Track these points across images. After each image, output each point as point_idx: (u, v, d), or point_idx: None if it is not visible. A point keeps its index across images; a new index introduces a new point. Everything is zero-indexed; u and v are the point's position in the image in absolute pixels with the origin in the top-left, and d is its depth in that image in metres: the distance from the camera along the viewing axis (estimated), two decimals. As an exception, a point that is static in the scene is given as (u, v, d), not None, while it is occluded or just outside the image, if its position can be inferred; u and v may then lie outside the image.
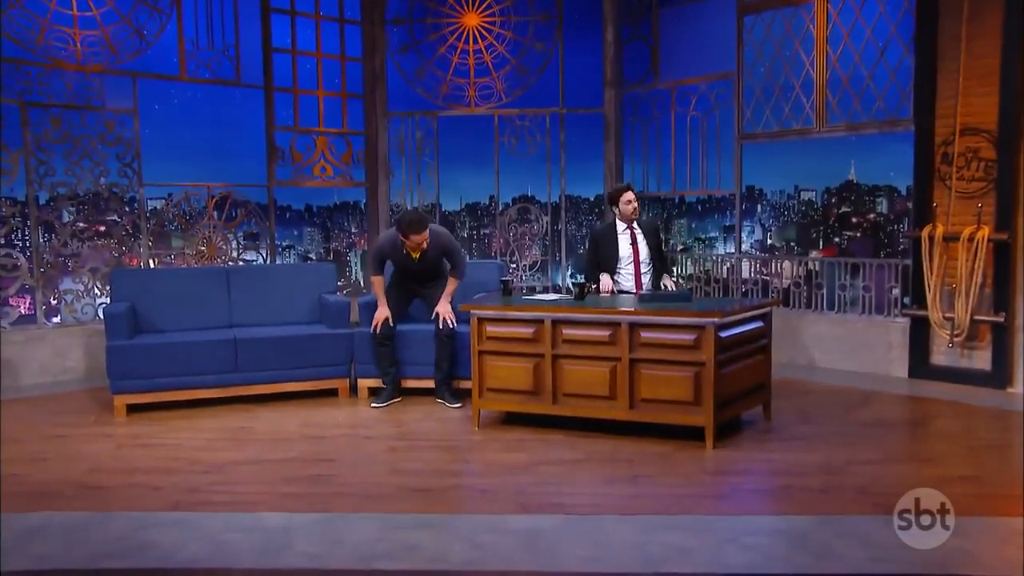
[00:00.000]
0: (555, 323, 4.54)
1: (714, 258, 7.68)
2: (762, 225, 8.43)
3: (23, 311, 6.41)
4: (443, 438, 4.66)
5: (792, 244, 8.25)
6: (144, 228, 6.79)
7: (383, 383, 5.44)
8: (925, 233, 5.79)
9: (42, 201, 6.38)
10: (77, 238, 6.54)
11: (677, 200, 8.45)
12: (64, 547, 3.17)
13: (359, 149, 7.97)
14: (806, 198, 8.21)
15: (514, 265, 8.19)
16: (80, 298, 6.49)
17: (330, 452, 4.43)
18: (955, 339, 5.68)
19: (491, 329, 4.71)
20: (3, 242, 6.21)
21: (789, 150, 7.30)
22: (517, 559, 3.03)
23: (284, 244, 8.70)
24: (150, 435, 4.73)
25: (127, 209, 6.78)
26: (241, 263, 7.35)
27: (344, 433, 4.83)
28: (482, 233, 9.17)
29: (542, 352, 4.57)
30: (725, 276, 7.39)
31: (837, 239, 7.91)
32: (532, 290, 7.81)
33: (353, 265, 9.18)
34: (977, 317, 5.61)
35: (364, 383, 5.57)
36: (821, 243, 8.03)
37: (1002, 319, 5.51)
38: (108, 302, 5.93)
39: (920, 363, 5.96)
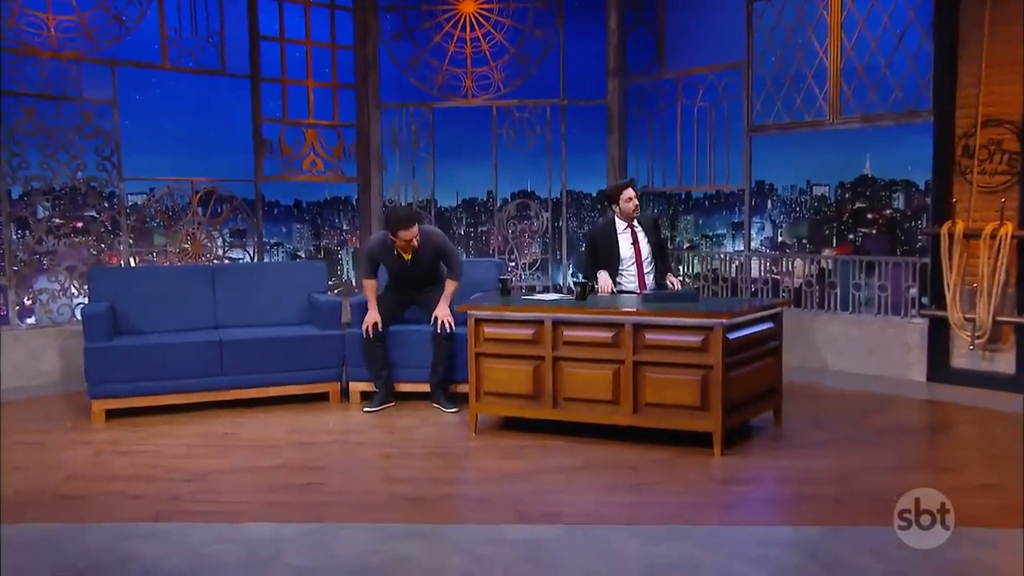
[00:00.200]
0: (556, 324, 4.53)
1: (722, 256, 7.67)
2: (772, 222, 8.44)
3: (-5, 312, 6.41)
4: (438, 444, 4.65)
5: (804, 241, 8.26)
6: (124, 224, 6.78)
7: (375, 386, 5.43)
8: (944, 230, 5.78)
9: (15, 196, 6.37)
10: (53, 235, 6.53)
11: (683, 196, 8.46)
12: (39, 560, 3.16)
13: (351, 142, 7.96)
14: (819, 193, 8.22)
15: (513, 263, 8.18)
16: (56, 298, 6.48)
17: (320, 459, 4.43)
18: (976, 341, 5.68)
19: (489, 330, 4.70)
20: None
21: (801, 143, 7.30)
22: (515, 571, 3.02)
23: (272, 241, 8.70)
24: (130, 442, 4.71)
25: (106, 204, 6.77)
26: (227, 261, 7.33)
27: (335, 439, 4.82)
28: (480, 230, 9.17)
29: (542, 354, 4.56)
30: (733, 275, 7.39)
31: (851, 236, 7.92)
32: (532, 290, 7.80)
33: (344, 263, 9.18)
34: (1000, 318, 5.60)
35: (356, 387, 5.57)
36: (834, 240, 8.04)
37: (1024, 320, 5.51)
38: (86, 302, 5.91)
39: (939, 366, 5.96)
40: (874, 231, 7.79)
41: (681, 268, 7.84)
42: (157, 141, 7.40)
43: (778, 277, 7.16)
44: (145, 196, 7.07)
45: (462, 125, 8.23)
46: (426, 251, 5.35)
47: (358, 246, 8.43)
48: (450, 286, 5.37)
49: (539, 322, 4.57)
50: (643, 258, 5.36)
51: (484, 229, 9.05)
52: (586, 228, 8.15)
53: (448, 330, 5.22)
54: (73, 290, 6.53)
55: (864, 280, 6.52)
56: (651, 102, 7.84)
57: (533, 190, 8.42)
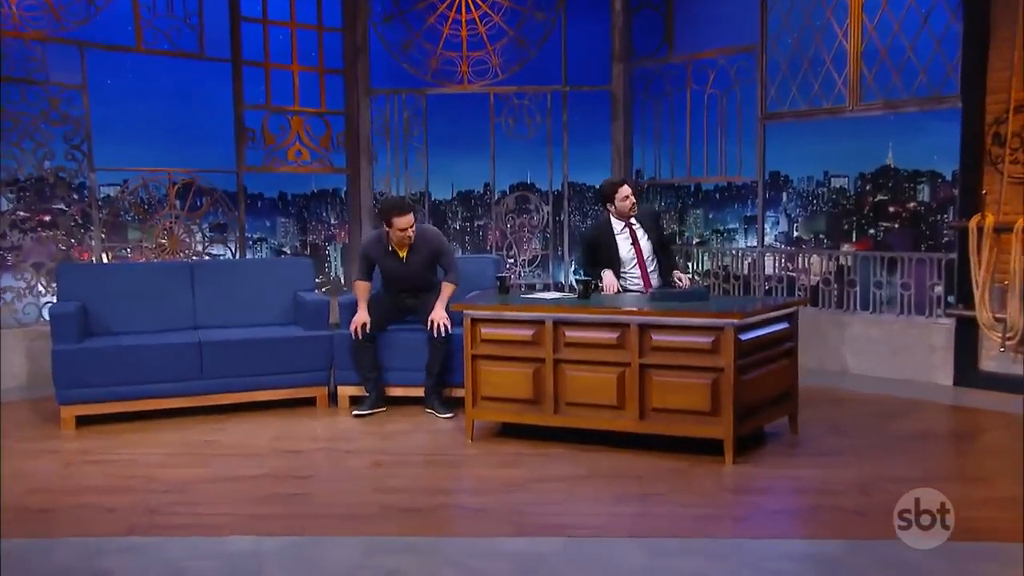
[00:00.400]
0: (557, 324, 4.53)
1: (734, 252, 7.67)
2: (787, 215, 8.43)
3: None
4: (432, 452, 4.65)
5: (821, 236, 8.25)
6: (96, 218, 6.77)
7: (365, 390, 5.43)
8: (973, 223, 5.77)
9: (-24, 187, 6.36)
10: (18, 229, 6.52)
11: (692, 188, 8.44)
12: None
13: (339, 131, 7.96)
14: (837, 185, 8.21)
15: (511, 260, 8.18)
16: (22, 297, 6.46)
17: (306, 468, 4.42)
18: (1007, 343, 5.67)
19: (486, 331, 4.69)
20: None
21: (818, 131, 7.29)
22: (514, 588, 3.02)
23: (255, 236, 8.69)
24: (102, 450, 4.70)
25: (76, 197, 6.75)
26: (207, 257, 7.34)
27: (322, 447, 4.82)
28: (476, 225, 9.16)
29: (542, 356, 4.56)
30: (746, 272, 7.39)
31: (872, 231, 7.91)
32: (531, 288, 7.81)
33: (332, 260, 9.17)
34: (1029, 318, 5.60)
35: (345, 391, 5.56)
36: (854, 235, 8.04)
37: (1057, 320, 5.51)
38: (54, 301, 5.90)
39: (967, 369, 5.95)
40: (897, 225, 7.78)
41: (690, 265, 7.84)
42: (131, 129, 7.38)
43: (793, 274, 7.15)
44: (118, 188, 7.06)
45: (458, 113, 8.23)
46: (422, 249, 5.39)
47: (347, 241, 8.42)
48: (447, 289, 5.37)
49: (539, 322, 4.56)
50: (645, 257, 5.36)
51: (481, 223, 9.04)
52: (589, 222, 8.13)
53: (444, 333, 5.22)
54: (40, 288, 6.52)
55: (886, 278, 6.52)
56: (658, 88, 7.84)
57: (533, 182, 8.42)
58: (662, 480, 4.09)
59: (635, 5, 7.92)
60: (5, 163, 6.34)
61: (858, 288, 6.64)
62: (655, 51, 7.79)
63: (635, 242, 5.37)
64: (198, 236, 7.35)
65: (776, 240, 7.96)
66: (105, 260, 6.82)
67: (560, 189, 8.17)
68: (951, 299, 6.11)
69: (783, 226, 8.32)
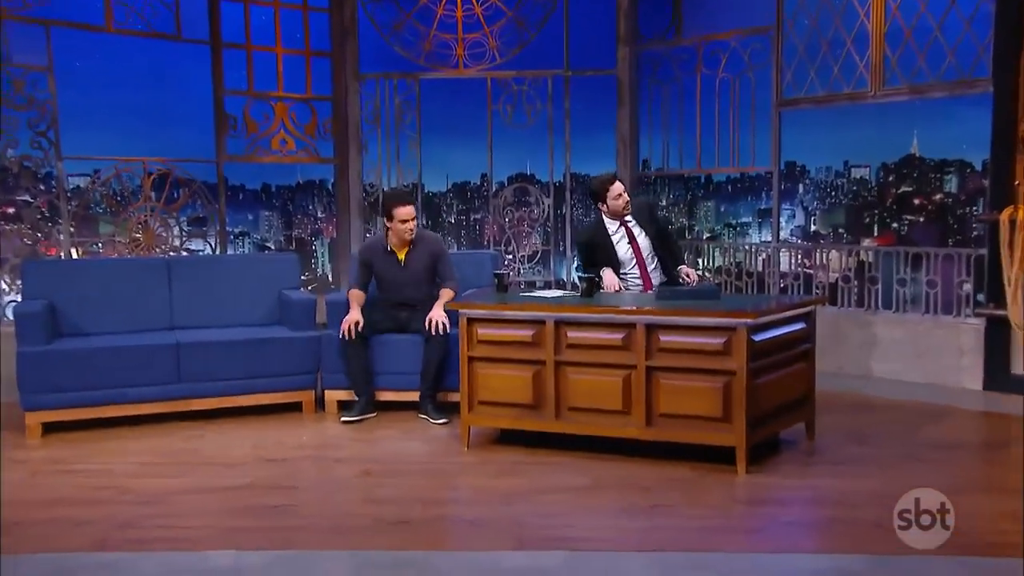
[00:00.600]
0: (558, 324, 4.53)
1: (747, 247, 7.67)
2: (805, 208, 8.45)
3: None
4: (426, 460, 4.66)
5: (840, 231, 8.27)
6: (64, 211, 6.76)
7: (355, 394, 5.43)
8: (1005, 216, 5.78)
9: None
10: (-21, 222, 6.52)
11: (703, 179, 8.46)
12: (-31, 592, 3.14)
13: (326, 118, 7.95)
14: (858, 176, 8.22)
15: (510, 256, 8.18)
16: (-15, 295, 6.47)
17: (291, 478, 4.42)
18: (1038, 344, 5.68)
19: (483, 331, 4.69)
20: None
21: (838, 119, 7.30)
22: (513, 605, 3.02)
23: (237, 231, 8.69)
24: (72, 460, 4.70)
25: (42, 187, 6.74)
26: (184, 253, 7.34)
27: (308, 455, 4.81)
28: (472, 218, 9.17)
29: (543, 358, 4.56)
30: (760, 269, 7.40)
31: (895, 225, 7.93)
32: (531, 285, 7.81)
33: (319, 256, 9.18)
34: (1064, 317, 5.61)
35: (333, 395, 5.56)
36: (876, 229, 8.05)
37: (1093, 320, 5.51)
38: (19, 300, 5.89)
39: (998, 373, 5.95)
40: (922, 218, 7.80)
41: (700, 261, 7.84)
42: (102, 115, 7.37)
43: (811, 271, 7.16)
44: (89, 178, 7.06)
45: (453, 99, 8.23)
46: (421, 252, 5.49)
47: (334, 236, 8.42)
48: (446, 295, 5.41)
49: (540, 322, 4.56)
50: (644, 256, 5.35)
51: (478, 217, 9.05)
52: (593, 216, 8.14)
53: (442, 331, 5.23)
54: (4, 286, 6.52)
55: (910, 274, 6.52)
56: (667, 73, 7.83)
57: (533, 173, 8.42)
58: (670, 490, 4.09)
59: (642, -17, 7.92)
60: (-36, 152, 6.36)
61: (880, 286, 6.64)
62: (663, 33, 7.79)
63: (632, 240, 5.36)
64: (175, 230, 7.35)
65: (792, 235, 7.97)
66: (74, 256, 6.82)
67: (562, 180, 8.18)
68: (981, 298, 6.11)
69: (800, 220, 8.33)
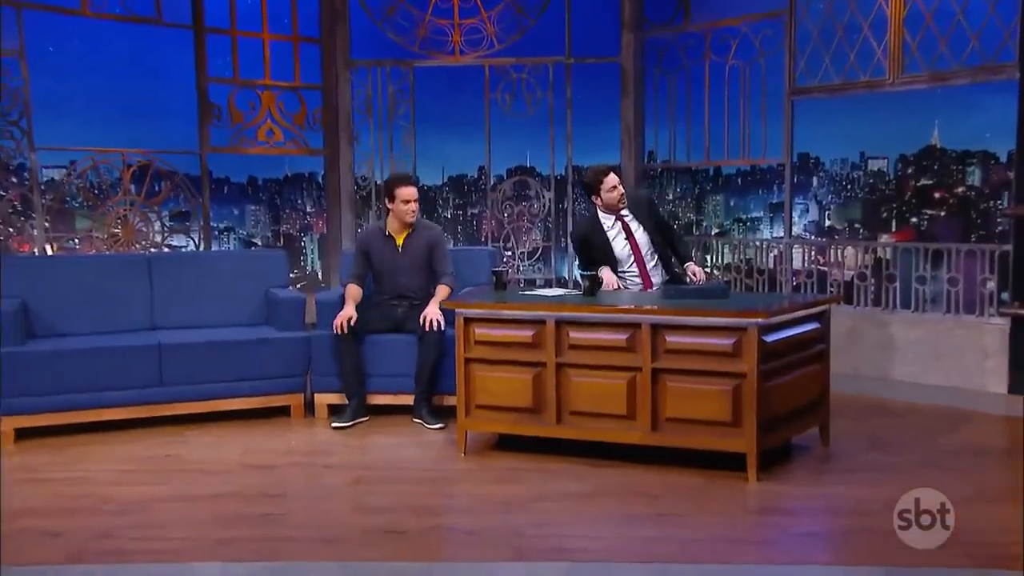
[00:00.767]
0: (560, 324, 4.53)
1: (758, 244, 7.68)
2: (818, 203, 8.46)
3: None
4: (421, 467, 4.66)
5: (856, 226, 8.28)
6: (38, 204, 6.75)
7: (345, 396, 5.44)
8: (1029, 211, 5.78)
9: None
10: (-53, 217, 6.52)
11: (712, 172, 8.47)
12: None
13: (315, 107, 7.95)
14: (875, 168, 8.23)
15: (509, 252, 8.18)
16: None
17: (279, 486, 4.42)
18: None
19: (481, 332, 4.70)
20: None
21: (854, 108, 7.31)
22: (511, 619, 3.02)
23: (222, 226, 8.70)
24: (48, 467, 4.70)
25: (14, 180, 6.73)
26: (166, 249, 7.34)
27: (297, 461, 4.81)
28: (470, 213, 9.18)
29: (543, 360, 4.56)
30: (771, 266, 7.40)
31: (915, 219, 7.94)
32: (531, 284, 7.81)
33: (308, 252, 9.19)
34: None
35: (323, 399, 5.57)
36: (894, 224, 8.06)
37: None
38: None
39: (1023, 375, 5.95)
40: (943, 213, 7.80)
41: (708, 258, 7.85)
42: (79, 104, 7.36)
43: (825, 269, 7.17)
44: (64, 170, 7.05)
45: (449, 88, 8.23)
46: (420, 239, 5.57)
47: (324, 232, 8.42)
48: (442, 291, 5.44)
49: (540, 322, 4.57)
50: (643, 253, 5.34)
51: (475, 212, 9.06)
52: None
53: (437, 327, 5.24)
54: (-25, 284, 6.51)
55: (930, 272, 6.52)
56: (674, 60, 7.83)
57: (533, 166, 8.43)
58: (677, 499, 4.09)
59: (648, -34, 7.92)
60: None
61: (898, 284, 6.65)
62: (670, 19, 7.79)
63: (630, 236, 5.35)
64: (156, 225, 7.34)
65: (805, 230, 7.98)
66: (49, 252, 6.81)
67: (563, 173, 8.18)
68: (1005, 296, 6.11)
69: (813, 214, 8.34)
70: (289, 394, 5.60)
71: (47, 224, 6.83)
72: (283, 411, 5.59)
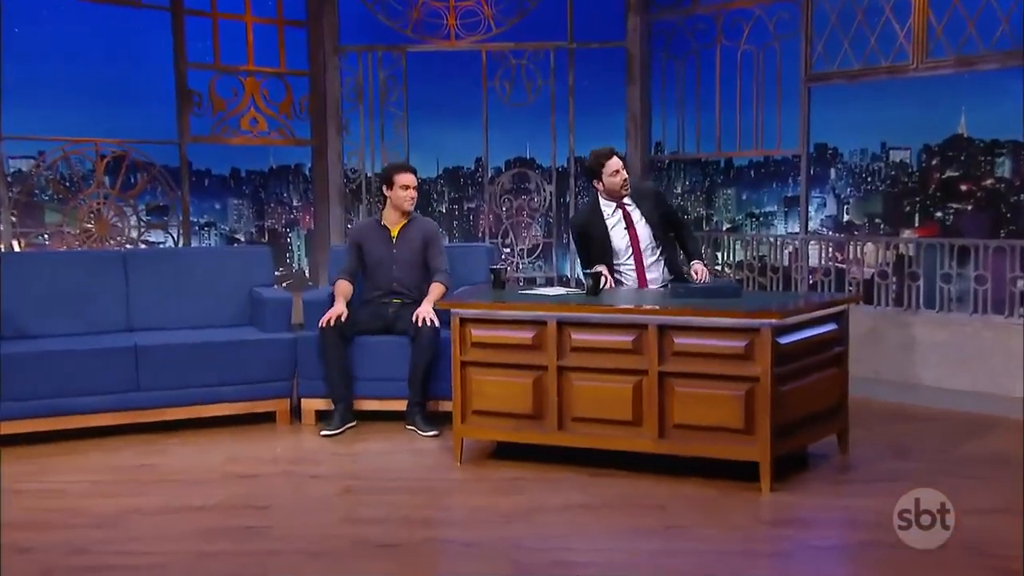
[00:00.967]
0: (561, 325, 4.54)
1: (772, 240, 7.70)
2: (836, 196, 8.47)
3: None
4: (414, 476, 4.67)
5: (877, 221, 8.29)
6: (4, 198, 6.76)
7: (331, 401, 5.45)
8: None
9: None
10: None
11: (723, 164, 8.49)
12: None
13: (302, 95, 7.96)
14: (897, 159, 8.24)
15: (508, 249, 8.20)
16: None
17: (264, 496, 4.43)
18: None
19: (478, 333, 4.70)
20: None
21: (875, 95, 7.32)
22: (510, 637, 3.04)
23: (203, 221, 8.72)
24: (17, 478, 4.68)
25: (-21, 171, 6.74)
26: (143, 246, 7.35)
27: (283, 470, 4.82)
28: (466, 207, 9.20)
29: (544, 363, 4.57)
30: (786, 264, 7.42)
31: (939, 214, 7.95)
32: (531, 282, 7.82)
33: (295, 249, 9.20)
34: None
35: (310, 404, 5.58)
36: (917, 219, 8.07)
37: None
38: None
39: (1053, 380, 5.97)
40: (970, 207, 7.81)
41: (719, 255, 7.85)
42: (49, 90, 7.37)
43: (843, 266, 7.18)
44: (33, 161, 7.06)
45: (443, 74, 8.26)
46: (414, 232, 5.63)
47: (312, 227, 8.43)
48: (435, 290, 5.45)
49: (541, 323, 4.57)
50: (642, 247, 5.32)
51: (472, 206, 9.08)
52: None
53: (431, 326, 5.26)
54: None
55: (956, 270, 6.53)
56: (682, 45, 7.84)
57: (533, 157, 8.46)
58: (686, 510, 4.10)
59: (655, -55, 7.94)
60: None
61: (922, 282, 6.65)
62: (678, 1, 7.80)
63: (630, 227, 5.31)
64: (132, 220, 7.36)
65: (822, 225, 8.00)
66: (16, 248, 6.82)
67: (565, 165, 8.19)
68: (1033, 295, 6.13)
69: (831, 209, 8.36)
70: (274, 399, 5.60)
71: (14, 219, 6.84)
72: (268, 417, 5.59)
